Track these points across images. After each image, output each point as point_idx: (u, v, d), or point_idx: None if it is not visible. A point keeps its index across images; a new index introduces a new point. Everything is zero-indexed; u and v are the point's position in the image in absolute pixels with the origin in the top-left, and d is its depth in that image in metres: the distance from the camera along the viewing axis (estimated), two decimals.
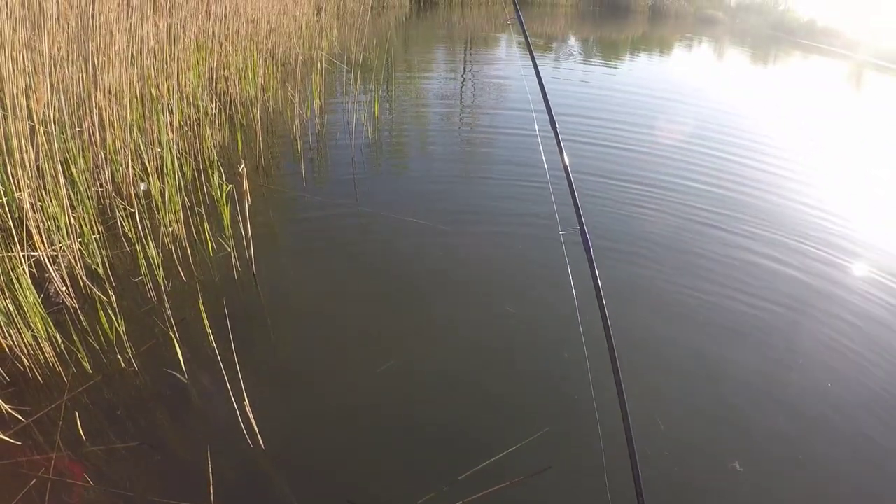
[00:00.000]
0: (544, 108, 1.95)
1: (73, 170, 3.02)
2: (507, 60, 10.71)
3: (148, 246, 2.72)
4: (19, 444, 1.95)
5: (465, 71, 9.37)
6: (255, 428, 2.00)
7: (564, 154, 1.85)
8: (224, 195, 3.11)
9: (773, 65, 16.34)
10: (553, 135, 1.90)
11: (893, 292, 3.48)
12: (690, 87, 10.38)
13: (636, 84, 9.75)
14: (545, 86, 2.04)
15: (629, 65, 12.17)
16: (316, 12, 8.65)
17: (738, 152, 5.93)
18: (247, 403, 1.98)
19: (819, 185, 5.45)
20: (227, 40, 5.46)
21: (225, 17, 5.47)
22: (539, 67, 2.12)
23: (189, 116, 4.32)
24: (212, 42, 5.25)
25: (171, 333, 2.34)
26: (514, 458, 2.06)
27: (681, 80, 11.18)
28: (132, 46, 3.84)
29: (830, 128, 8.47)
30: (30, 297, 2.23)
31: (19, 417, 2.03)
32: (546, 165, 2.12)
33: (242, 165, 2.62)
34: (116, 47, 3.53)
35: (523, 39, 2.08)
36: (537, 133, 2.17)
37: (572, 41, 15.40)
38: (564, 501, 1.98)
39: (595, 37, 17.22)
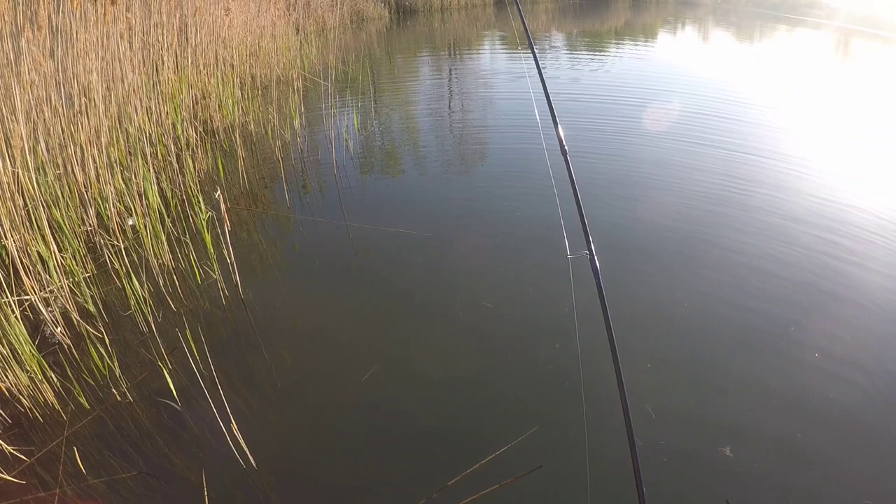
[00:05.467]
0: (546, 110, 1.94)
1: (59, 211, 3.09)
2: (491, 63, 10.76)
3: (135, 280, 2.78)
4: (24, 483, 2.00)
5: (451, 77, 9.37)
6: (246, 449, 2.05)
7: (571, 170, 1.76)
8: (205, 223, 3.18)
9: (759, 40, 16.35)
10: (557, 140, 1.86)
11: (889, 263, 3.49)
12: (683, 70, 10.43)
13: (622, 76, 9.79)
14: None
15: (615, 54, 12.20)
16: (295, 31, 8.73)
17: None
18: (234, 426, 2.03)
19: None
20: (205, 68, 5.53)
21: (202, 44, 5.54)
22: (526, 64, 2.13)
23: (171, 148, 4.39)
24: (190, 71, 5.32)
25: (160, 364, 2.40)
26: (504, 460, 2.08)
27: (673, 64, 11.22)
28: (110, 83, 3.92)
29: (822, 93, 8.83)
30: (25, 344, 2.30)
31: (22, 457, 2.08)
32: (549, 166, 2.13)
33: (218, 192, 2.69)
34: (94, 86, 3.60)
35: (527, 43, 2.08)
36: (543, 140, 2.15)
37: (556, 37, 15.43)
38: (557, 500, 1.99)
39: (578, 30, 17.25)
